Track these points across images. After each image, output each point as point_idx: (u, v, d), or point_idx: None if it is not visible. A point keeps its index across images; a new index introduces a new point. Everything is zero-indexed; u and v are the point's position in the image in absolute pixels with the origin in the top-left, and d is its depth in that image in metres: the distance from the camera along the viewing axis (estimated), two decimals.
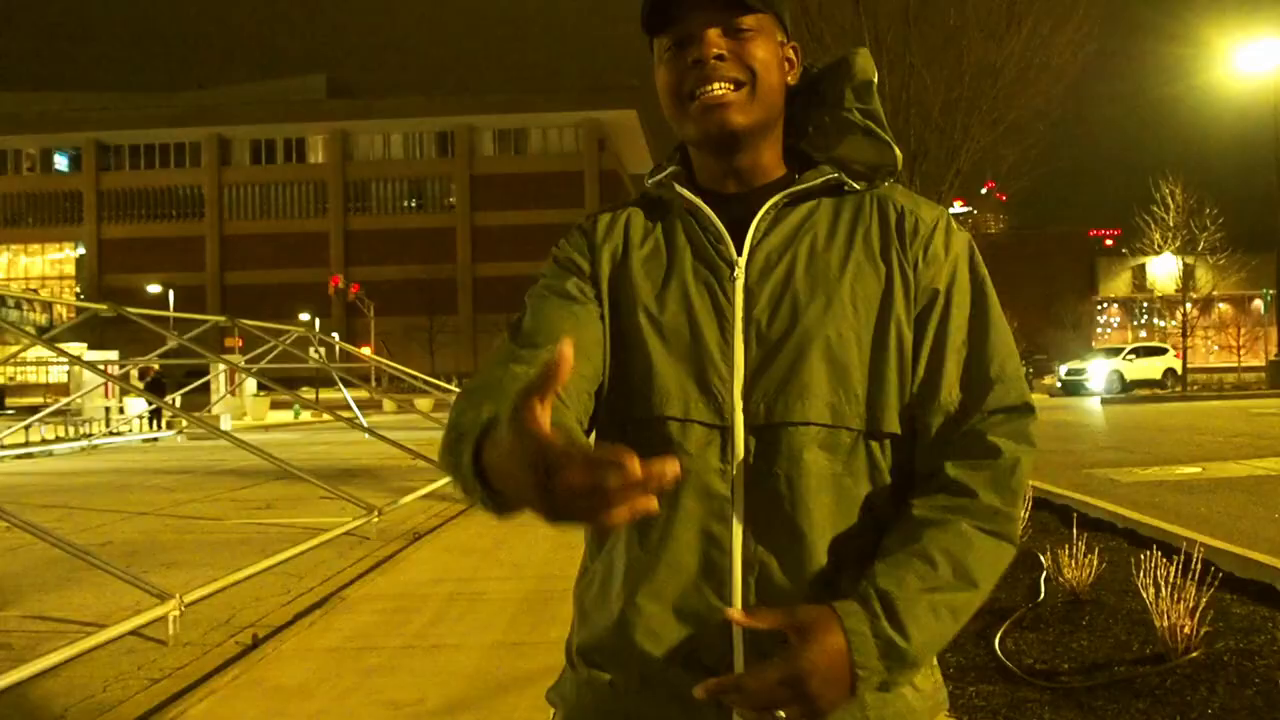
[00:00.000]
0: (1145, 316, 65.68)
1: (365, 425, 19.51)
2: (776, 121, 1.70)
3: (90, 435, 28.60)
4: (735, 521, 1.54)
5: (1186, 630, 4.94)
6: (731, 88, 1.60)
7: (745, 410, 1.57)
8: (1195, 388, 39.86)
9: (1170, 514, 9.41)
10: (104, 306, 15.75)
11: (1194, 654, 4.95)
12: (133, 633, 6.69)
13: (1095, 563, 6.30)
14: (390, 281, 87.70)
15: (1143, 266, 75.03)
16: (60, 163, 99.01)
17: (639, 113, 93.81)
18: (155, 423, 32.08)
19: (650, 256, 1.70)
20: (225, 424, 30.14)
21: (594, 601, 1.65)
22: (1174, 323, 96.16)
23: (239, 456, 20.98)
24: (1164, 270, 64.71)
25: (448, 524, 11.44)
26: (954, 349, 1.60)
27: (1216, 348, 79.13)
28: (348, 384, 29.67)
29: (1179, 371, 41.51)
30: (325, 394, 47.95)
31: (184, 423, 31.19)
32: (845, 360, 1.57)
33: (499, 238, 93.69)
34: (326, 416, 36.94)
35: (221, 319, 20.43)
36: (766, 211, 1.66)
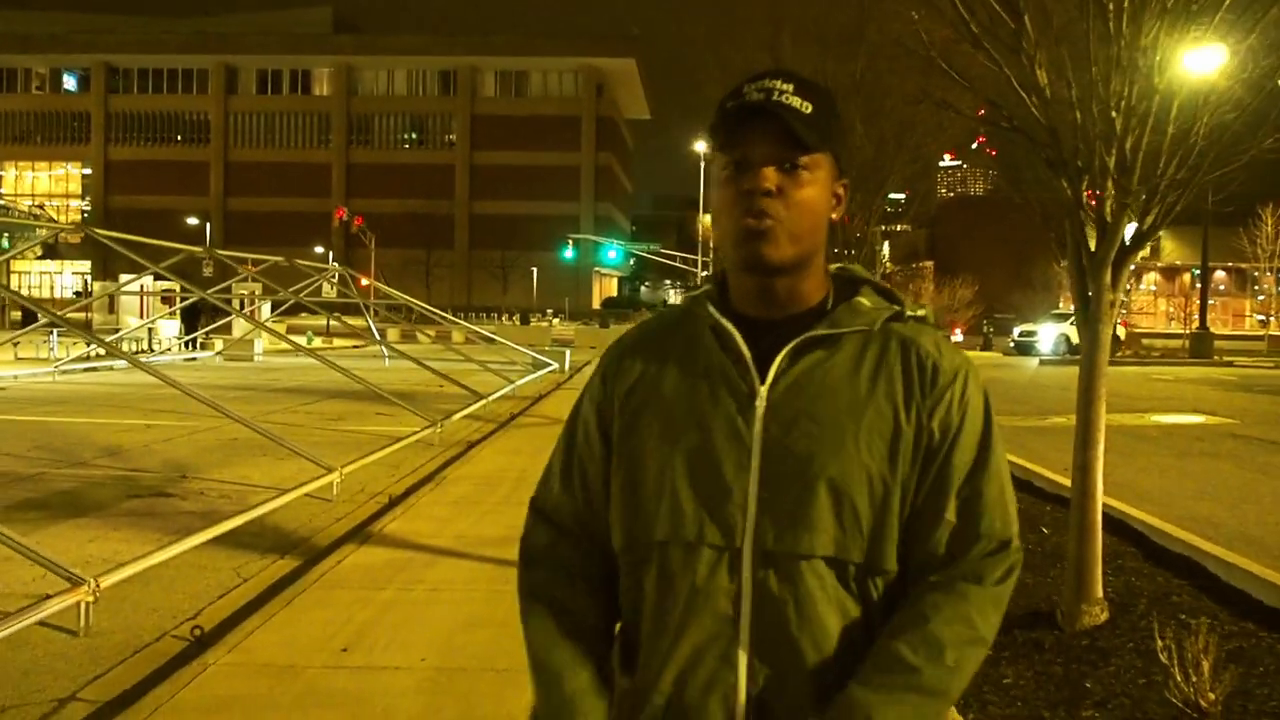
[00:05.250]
0: None
1: (401, 352, 22.88)
2: (816, 255, 1.77)
3: (141, 353, 31.65)
4: (742, 640, 1.66)
5: None
6: (775, 223, 1.68)
7: (755, 535, 1.67)
8: (1128, 354, 43.35)
9: (1025, 451, 12.94)
10: (201, 250, 18.94)
11: None
12: (307, 494, 10.10)
13: None
14: (389, 215, 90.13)
15: None
16: (69, 83, 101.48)
17: (637, 61, 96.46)
18: (190, 345, 35.18)
19: (673, 379, 1.78)
20: (258, 348, 33.47)
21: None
22: (1143, 289, 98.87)
23: (289, 376, 24.48)
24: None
25: (490, 437, 14.91)
26: (955, 494, 1.72)
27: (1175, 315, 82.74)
28: (349, 314, 32.57)
29: (1122, 337, 45.02)
30: (333, 323, 50.61)
31: (219, 345, 34.57)
32: (853, 498, 1.67)
33: (496, 176, 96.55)
34: (337, 343, 40.39)
35: (279, 259, 23.64)
36: (794, 347, 1.73)
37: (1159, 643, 4.67)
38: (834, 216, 1.78)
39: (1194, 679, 4.40)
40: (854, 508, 1.67)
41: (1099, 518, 5.97)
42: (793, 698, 1.65)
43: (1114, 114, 5.58)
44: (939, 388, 1.74)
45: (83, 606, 6.11)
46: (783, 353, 1.72)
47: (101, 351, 29.67)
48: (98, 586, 6.18)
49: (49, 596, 6.03)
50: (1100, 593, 6.01)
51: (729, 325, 1.76)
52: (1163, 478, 11.88)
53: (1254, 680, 5.06)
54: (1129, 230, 5.88)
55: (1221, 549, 7.51)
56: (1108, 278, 5.79)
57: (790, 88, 1.71)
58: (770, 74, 1.75)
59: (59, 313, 15.08)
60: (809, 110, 1.70)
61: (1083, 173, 5.72)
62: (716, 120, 1.75)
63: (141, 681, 5.35)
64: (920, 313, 1.82)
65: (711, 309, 1.79)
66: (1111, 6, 5.51)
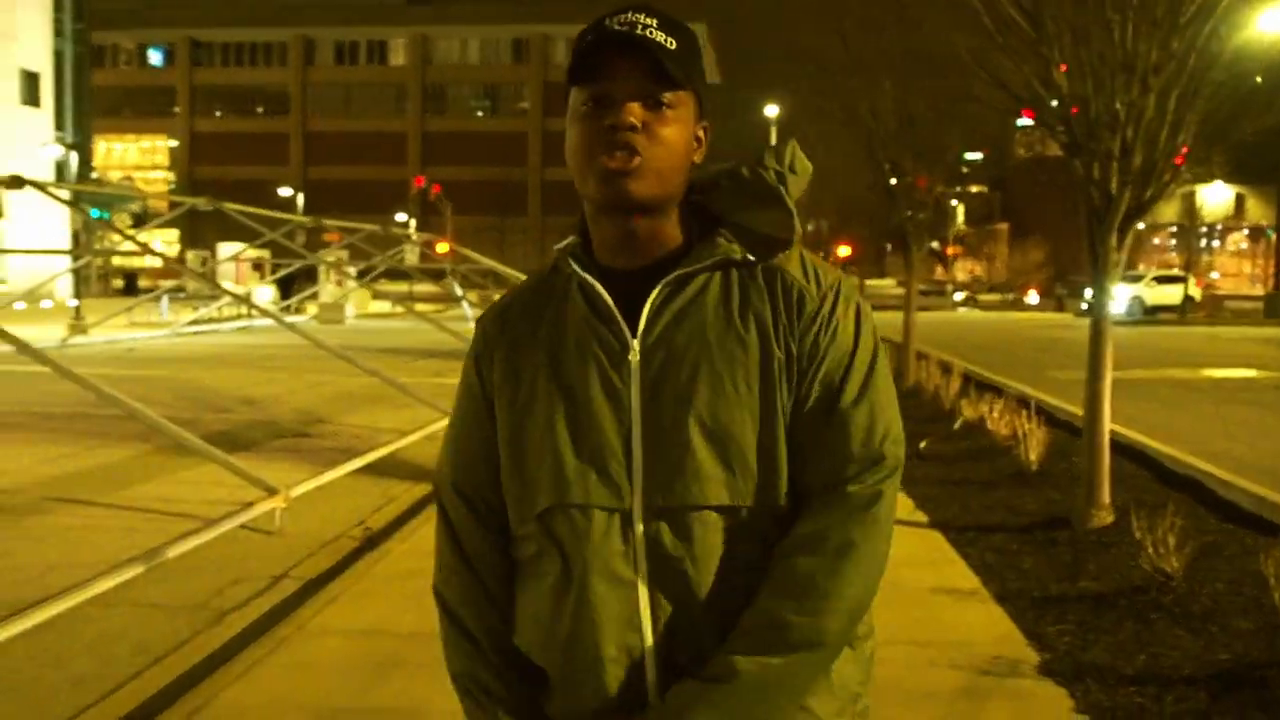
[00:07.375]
0: (1189, 241, 67.87)
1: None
2: (676, 196, 1.69)
3: (240, 318, 33.49)
4: (643, 602, 1.62)
5: (1005, 434, 9.71)
6: (638, 159, 1.60)
7: (644, 493, 1.62)
8: (1201, 315, 43.63)
9: (1068, 395, 14.12)
10: (309, 219, 20.35)
11: (1013, 445, 9.70)
12: (428, 435, 11.50)
13: (992, 412, 10.94)
14: (464, 182, 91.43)
15: (1192, 192, 76.93)
16: (155, 58, 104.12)
17: (707, 26, 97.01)
18: (286, 310, 36.83)
19: (545, 342, 1.72)
20: (349, 311, 35.24)
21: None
22: (1228, 249, 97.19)
23: (382, 338, 26.04)
24: (1215, 198, 66.52)
25: None
26: (844, 416, 1.65)
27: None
28: (430, 279, 34.01)
29: (1197, 298, 45.27)
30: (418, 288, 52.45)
31: (311, 309, 36.37)
32: (738, 441, 1.62)
33: None
34: (419, 308, 41.86)
35: (375, 227, 25.14)
36: (659, 292, 1.67)
37: (1135, 522, 5.95)
38: (696, 159, 1.72)
39: (1161, 551, 5.68)
40: (740, 451, 1.63)
41: (1106, 438, 7.25)
42: (699, 650, 1.61)
43: (1118, 106, 6.81)
44: (806, 314, 1.68)
45: (277, 511, 7.61)
46: (648, 302, 1.68)
47: (206, 315, 31.71)
48: (289, 495, 7.67)
49: (251, 504, 7.53)
50: (1107, 499, 7.29)
51: (593, 281, 1.71)
52: (1196, 421, 13.02)
53: (1220, 560, 6.37)
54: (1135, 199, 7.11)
55: (1225, 471, 8.72)
56: (1113, 240, 7.03)
57: (654, 22, 1.64)
58: (633, 7, 1.66)
59: (223, 286, 16.67)
60: (673, 46, 1.64)
61: (1093, 155, 6.96)
62: (575, 52, 1.66)
63: (336, 564, 6.84)
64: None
65: (574, 265, 1.74)
66: (1116, 19, 6.73)
